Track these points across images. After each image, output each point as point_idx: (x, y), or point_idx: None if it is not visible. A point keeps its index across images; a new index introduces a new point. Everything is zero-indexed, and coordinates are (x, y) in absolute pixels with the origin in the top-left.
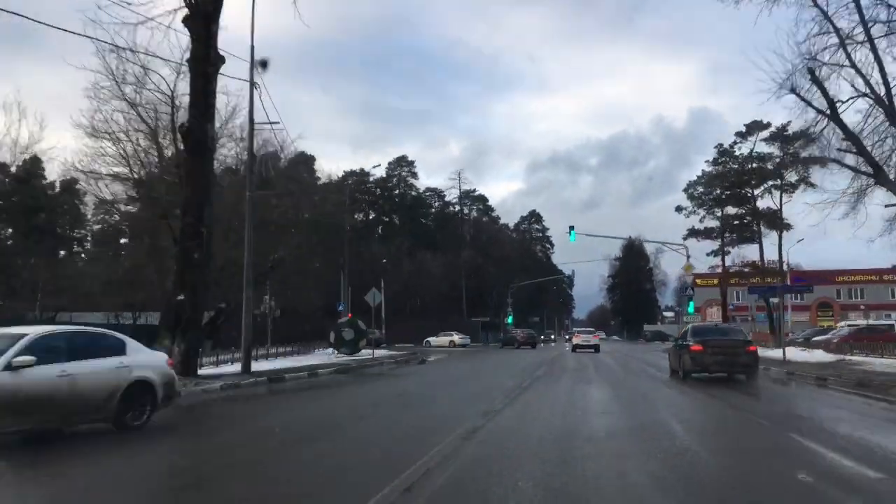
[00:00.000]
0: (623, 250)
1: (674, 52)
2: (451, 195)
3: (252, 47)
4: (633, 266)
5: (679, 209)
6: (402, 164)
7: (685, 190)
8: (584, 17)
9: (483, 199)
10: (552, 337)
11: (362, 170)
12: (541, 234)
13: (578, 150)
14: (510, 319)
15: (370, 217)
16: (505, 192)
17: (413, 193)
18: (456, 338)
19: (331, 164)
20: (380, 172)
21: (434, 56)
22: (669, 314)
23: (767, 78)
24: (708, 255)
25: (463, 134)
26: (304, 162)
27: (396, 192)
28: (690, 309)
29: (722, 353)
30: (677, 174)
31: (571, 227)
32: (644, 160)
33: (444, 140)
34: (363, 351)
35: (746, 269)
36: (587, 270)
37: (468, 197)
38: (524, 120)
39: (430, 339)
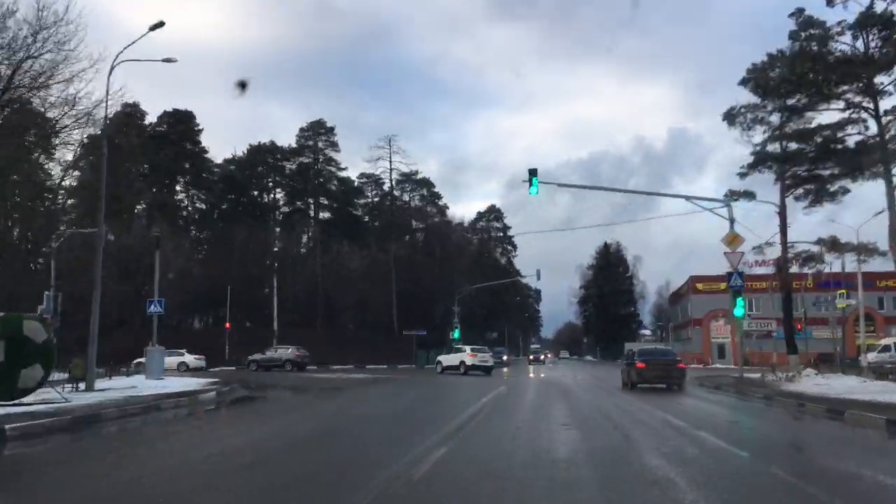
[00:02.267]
0: (598, 257)
1: (654, 73)
2: (379, 169)
3: None
4: (609, 274)
5: (732, 116)
6: (319, 132)
7: (745, 81)
8: (564, 36)
9: (427, 183)
10: (504, 358)
11: (273, 143)
12: (501, 234)
13: (559, 169)
14: (456, 334)
15: (279, 202)
16: (482, 210)
17: (332, 170)
18: (189, 358)
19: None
20: (289, 140)
21: (409, 72)
22: (647, 332)
23: None
24: (799, 198)
25: (438, 151)
26: (180, 122)
27: (312, 170)
28: (739, 310)
29: (660, 370)
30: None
31: (532, 173)
32: (624, 179)
33: (420, 157)
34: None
35: (821, 246)
36: (556, 288)
37: (409, 180)
38: (502, 138)
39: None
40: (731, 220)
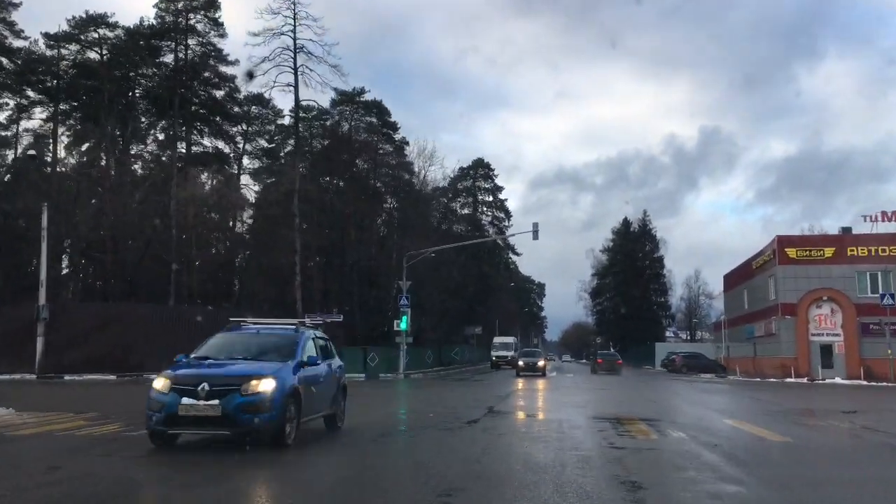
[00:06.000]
0: (616, 236)
1: (686, 70)
2: (273, 48)
3: None
4: (632, 256)
5: None
6: (193, 5)
7: None
8: (587, 35)
9: (379, 108)
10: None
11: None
12: (491, 198)
13: (586, 169)
14: (403, 324)
15: (134, 106)
16: (465, 165)
17: (208, 59)
18: None
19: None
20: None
21: (424, 71)
22: (670, 335)
23: None
24: None
25: (455, 151)
26: None
27: (182, 63)
28: None
29: (608, 364)
30: (683, 196)
31: None
32: (653, 181)
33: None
34: None
35: None
36: (563, 290)
37: (350, 101)
38: (525, 138)
39: None
40: None
